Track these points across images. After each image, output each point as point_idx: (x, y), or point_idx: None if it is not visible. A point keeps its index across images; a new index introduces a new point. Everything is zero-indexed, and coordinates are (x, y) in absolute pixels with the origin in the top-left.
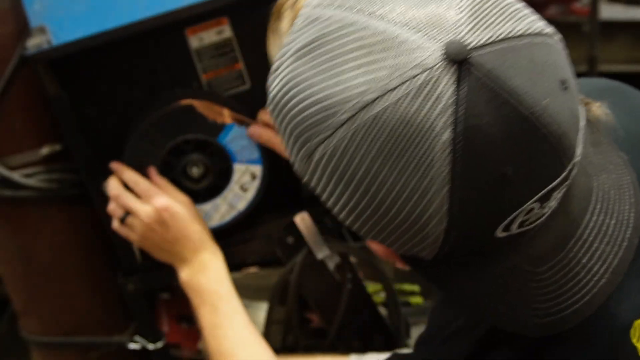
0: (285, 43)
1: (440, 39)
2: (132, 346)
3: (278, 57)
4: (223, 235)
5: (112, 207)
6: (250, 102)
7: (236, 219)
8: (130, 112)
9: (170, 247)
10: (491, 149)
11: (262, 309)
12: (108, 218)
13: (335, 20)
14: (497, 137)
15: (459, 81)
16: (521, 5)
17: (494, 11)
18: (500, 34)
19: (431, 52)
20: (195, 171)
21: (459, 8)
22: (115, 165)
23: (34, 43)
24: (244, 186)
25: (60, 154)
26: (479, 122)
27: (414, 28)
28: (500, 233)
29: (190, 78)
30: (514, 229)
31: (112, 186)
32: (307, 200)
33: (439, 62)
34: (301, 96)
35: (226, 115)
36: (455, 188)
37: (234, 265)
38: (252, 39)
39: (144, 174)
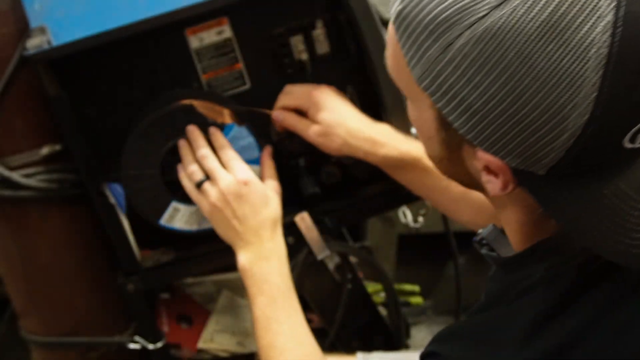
0: None
1: None
2: (132, 346)
3: None
4: None
5: (193, 168)
6: (250, 102)
7: None
8: (130, 112)
9: (237, 225)
10: None
11: None
12: (108, 218)
13: None
14: None
15: None
16: None
17: None
18: None
19: None
20: None
21: None
22: (212, 130)
23: (34, 43)
24: None
25: (60, 154)
26: (639, 9)
27: None
28: (627, 143)
29: (190, 78)
30: (639, 141)
31: (202, 145)
32: (307, 200)
33: None
34: None
35: (226, 115)
36: (608, 74)
37: (234, 265)
38: (252, 39)
39: (144, 173)
